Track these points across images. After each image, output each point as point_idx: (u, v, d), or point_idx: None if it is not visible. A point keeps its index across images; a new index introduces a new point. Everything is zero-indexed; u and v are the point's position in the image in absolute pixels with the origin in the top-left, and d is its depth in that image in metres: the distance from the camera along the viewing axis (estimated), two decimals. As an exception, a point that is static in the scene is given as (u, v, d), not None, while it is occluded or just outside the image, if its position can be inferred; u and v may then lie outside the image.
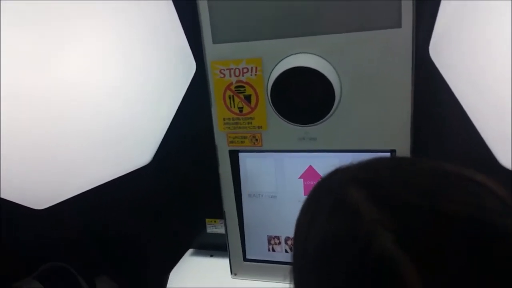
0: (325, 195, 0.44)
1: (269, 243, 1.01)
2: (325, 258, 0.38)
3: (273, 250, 1.01)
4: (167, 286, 1.07)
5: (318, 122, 0.83)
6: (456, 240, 0.32)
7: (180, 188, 1.13)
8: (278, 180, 0.94)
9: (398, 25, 0.73)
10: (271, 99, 0.82)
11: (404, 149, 0.81)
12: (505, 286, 0.31)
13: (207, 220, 1.13)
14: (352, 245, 0.36)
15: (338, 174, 0.45)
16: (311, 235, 0.41)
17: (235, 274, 1.06)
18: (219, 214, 1.02)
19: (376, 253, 0.33)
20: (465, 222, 0.34)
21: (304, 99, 0.81)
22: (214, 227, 1.13)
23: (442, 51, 0.74)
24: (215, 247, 1.16)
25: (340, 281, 0.36)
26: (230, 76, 0.84)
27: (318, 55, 0.79)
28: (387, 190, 0.38)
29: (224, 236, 1.03)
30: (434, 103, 0.83)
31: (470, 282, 0.31)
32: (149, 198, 1.14)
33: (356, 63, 0.78)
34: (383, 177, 0.40)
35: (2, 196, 0.77)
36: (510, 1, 0.56)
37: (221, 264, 1.09)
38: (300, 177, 0.92)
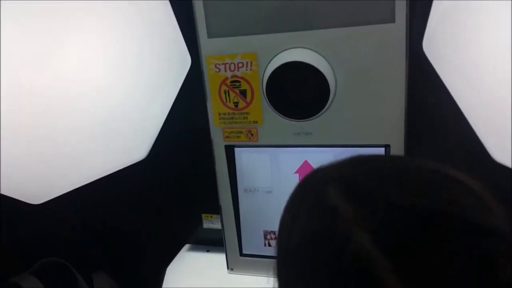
0: (306, 194, 0.45)
1: (265, 238, 1.01)
2: (305, 256, 0.39)
3: (269, 245, 1.01)
4: (164, 282, 1.08)
5: (313, 117, 0.83)
6: (431, 238, 0.33)
7: (176, 183, 1.13)
8: (273, 175, 0.95)
9: (392, 20, 0.73)
10: (266, 94, 0.82)
11: (398, 144, 0.82)
12: (480, 284, 0.32)
13: (203, 215, 1.14)
14: (330, 245, 0.36)
15: (319, 173, 0.45)
16: (293, 233, 0.42)
17: (232, 269, 1.06)
18: (215, 209, 1.02)
19: (353, 253, 0.33)
20: (441, 220, 0.34)
21: (299, 93, 0.81)
22: (210, 223, 1.14)
23: (435, 45, 0.74)
24: (211, 242, 1.16)
25: (320, 279, 0.37)
26: (225, 70, 0.84)
27: (312, 50, 0.79)
28: (364, 189, 0.38)
29: (221, 231, 1.03)
30: (428, 98, 0.84)
31: (447, 280, 0.32)
32: (145, 193, 1.15)
33: (351, 57, 0.78)
34: (360, 176, 0.40)
35: (-2, 191, 0.77)
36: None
37: (218, 259, 1.10)
38: (295, 172, 0.93)
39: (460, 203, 0.36)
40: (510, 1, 0.56)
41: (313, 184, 0.45)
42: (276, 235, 0.97)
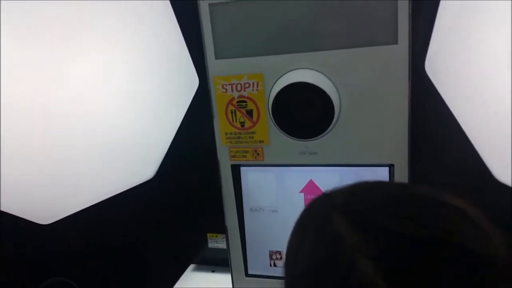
0: (311, 220, 0.46)
1: (271, 258, 1.01)
2: (312, 281, 0.40)
3: (275, 265, 1.01)
4: (169, 302, 1.08)
5: (318, 137, 0.84)
6: (430, 266, 0.34)
7: (181, 202, 1.14)
8: (279, 195, 0.95)
9: (395, 41, 0.75)
10: (272, 114, 0.84)
11: (402, 163, 0.82)
12: None
13: (208, 235, 1.14)
14: (336, 271, 0.37)
15: (324, 199, 0.47)
16: (300, 257, 0.43)
17: (237, 290, 1.06)
18: (220, 229, 1.02)
19: (357, 279, 0.34)
20: (439, 248, 0.35)
21: (304, 114, 0.82)
22: (215, 242, 1.14)
23: (437, 67, 0.76)
24: (216, 262, 1.16)
25: None
26: (232, 91, 0.86)
27: (317, 71, 0.80)
28: (367, 217, 0.39)
29: (226, 251, 1.03)
30: (431, 118, 0.85)
31: None
32: (152, 212, 1.15)
33: (355, 78, 0.79)
34: (363, 204, 0.41)
35: (7, 210, 0.78)
36: (508, 16, 0.58)
37: (223, 280, 1.10)
38: (301, 191, 0.93)
39: (458, 232, 0.37)
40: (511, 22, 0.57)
41: (318, 210, 0.46)
42: (283, 256, 0.98)
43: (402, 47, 0.75)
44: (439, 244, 0.35)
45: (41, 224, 0.83)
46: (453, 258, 0.34)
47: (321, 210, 0.45)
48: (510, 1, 0.57)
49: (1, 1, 0.60)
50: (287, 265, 0.47)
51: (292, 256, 0.45)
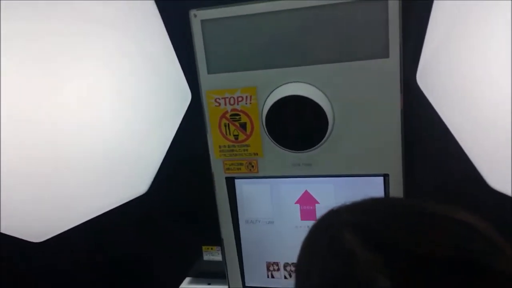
0: (321, 238, 0.46)
1: (268, 269, 1.01)
2: None
3: (272, 277, 1.01)
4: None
5: (312, 148, 0.85)
6: (445, 283, 0.34)
7: (176, 216, 1.13)
8: (274, 206, 0.96)
9: (386, 55, 0.76)
10: (266, 127, 0.84)
11: (396, 173, 0.83)
12: None
13: (203, 247, 1.13)
14: None
15: (332, 216, 0.47)
16: (311, 275, 0.43)
17: (235, 302, 1.05)
18: (215, 241, 1.02)
19: None
20: (457, 267, 0.35)
21: (298, 126, 0.83)
22: (210, 254, 1.13)
23: (428, 78, 0.77)
24: (212, 275, 1.16)
25: None
26: (225, 104, 0.86)
27: (310, 84, 0.81)
28: (379, 234, 0.39)
29: (222, 264, 1.03)
30: (423, 128, 0.86)
31: None
32: (145, 226, 1.15)
33: (347, 91, 0.80)
34: (375, 221, 0.42)
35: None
36: (506, 28, 0.59)
37: (220, 293, 1.09)
38: (296, 202, 0.94)
39: (472, 248, 0.37)
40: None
41: (328, 227, 0.46)
42: (280, 267, 0.98)
43: (394, 60, 0.76)
44: (458, 263, 0.35)
45: (33, 242, 0.82)
46: (472, 277, 0.35)
47: (330, 227, 0.45)
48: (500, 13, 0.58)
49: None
50: (297, 283, 0.47)
51: (303, 273, 0.45)
